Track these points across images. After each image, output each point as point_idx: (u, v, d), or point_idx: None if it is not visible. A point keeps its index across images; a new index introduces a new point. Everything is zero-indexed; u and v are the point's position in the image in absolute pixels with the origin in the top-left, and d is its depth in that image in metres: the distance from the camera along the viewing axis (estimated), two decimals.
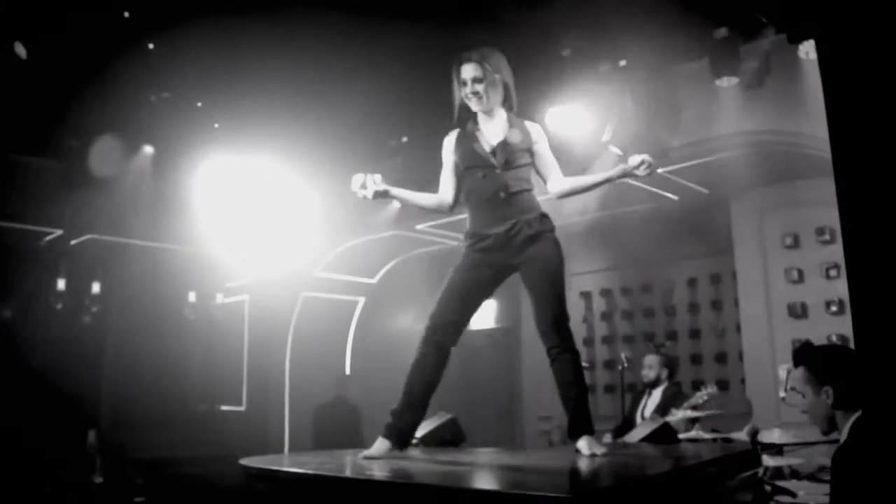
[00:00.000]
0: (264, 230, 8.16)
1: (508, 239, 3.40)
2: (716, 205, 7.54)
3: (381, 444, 3.37)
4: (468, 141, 3.53)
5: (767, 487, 4.08)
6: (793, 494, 3.94)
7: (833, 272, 6.72)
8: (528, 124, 3.62)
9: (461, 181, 3.59)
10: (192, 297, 9.00)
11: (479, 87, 3.48)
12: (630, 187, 7.16)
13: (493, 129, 3.55)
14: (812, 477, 4.74)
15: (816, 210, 6.76)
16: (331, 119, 6.77)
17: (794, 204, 7.00)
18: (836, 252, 6.64)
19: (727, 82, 5.75)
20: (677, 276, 8.47)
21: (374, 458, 3.29)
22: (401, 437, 3.41)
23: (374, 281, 9.90)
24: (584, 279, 9.07)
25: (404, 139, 7.32)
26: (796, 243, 7.04)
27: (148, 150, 7.21)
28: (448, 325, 3.43)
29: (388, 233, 8.42)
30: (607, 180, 3.49)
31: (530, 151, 3.57)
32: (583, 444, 3.28)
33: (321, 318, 9.31)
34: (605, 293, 9.01)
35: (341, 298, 9.67)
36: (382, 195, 3.48)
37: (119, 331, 8.63)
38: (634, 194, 7.42)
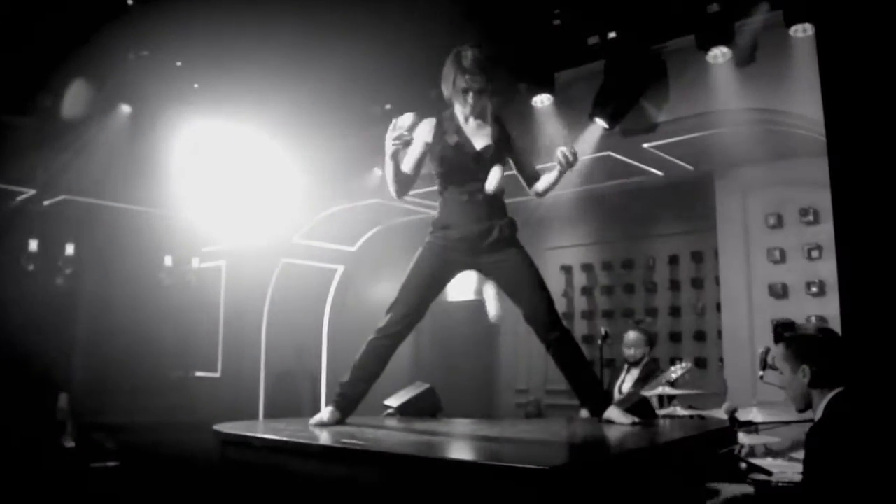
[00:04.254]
0: (243, 194, 8.09)
1: (480, 239, 3.48)
2: (700, 182, 7.56)
3: (331, 413, 3.44)
4: (452, 140, 3.53)
5: (743, 465, 4.12)
6: (767, 472, 3.98)
7: (815, 253, 6.77)
8: (509, 128, 3.67)
9: (440, 176, 3.61)
10: (167, 261, 8.94)
11: (482, 98, 3.51)
12: (614, 161, 7.17)
13: (477, 131, 3.57)
14: (786, 455, 4.81)
15: (801, 190, 6.80)
16: (313, 83, 6.70)
17: (779, 183, 7.03)
18: (819, 233, 6.69)
19: (716, 59, 5.75)
20: (659, 252, 8.51)
21: (324, 425, 3.37)
22: (349, 408, 3.51)
23: (353, 249, 9.88)
24: (564, 253, 9.10)
25: (388, 106, 7.26)
26: (779, 223, 7.08)
27: (125, 109, 7.11)
28: (411, 315, 3.51)
29: (369, 201, 8.38)
30: (560, 174, 3.56)
31: (510, 155, 3.65)
32: (617, 414, 3.48)
33: (299, 286, 9.29)
34: (586, 268, 9.04)
35: (320, 266, 9.65)
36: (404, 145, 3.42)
37: (92, 294, 8.56)
38: (619, 168, 7.43)
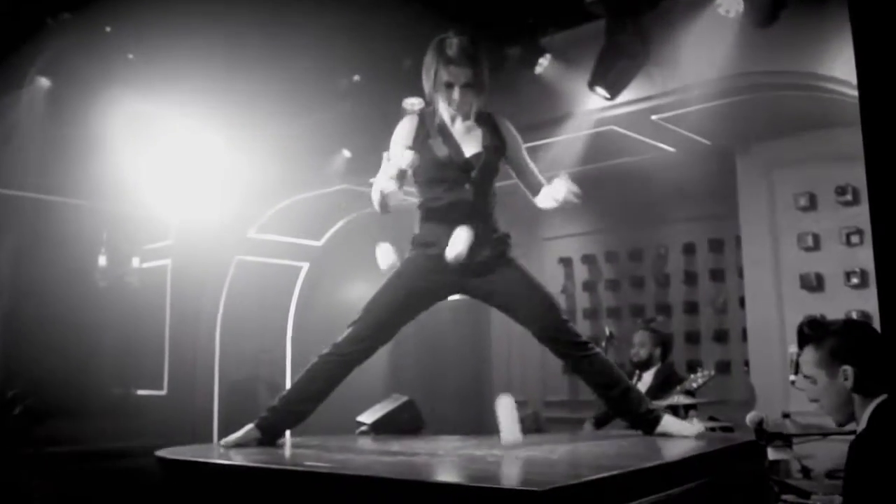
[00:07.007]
0: (190, 183, 8.04)
1: (468, 259, 3.42)
2: (719, 158, 7.57)
3: (250, 433, 3.38)
4: (434, 145, 3.48)
5: (774, 485, 4.13)
6: (804, 494, 3.98)
7: (855, 238, 6.78)
8: (504, 129, 3.63)
9: (419, 185, 3.58)
10: (102, 261, 8.85)
11: (468, 94, 3.45)
12: (618, 136, 7.16)
13: (465, 135, 3.54)
14: (827, 474, 4.81)
15: (837, 166, 6.80)
16: (270, 52, 6.65)
17: (811, 158, 7.05)
18: (858, 214, 6.69)
19: (738, 12, 5.68)
20: (672, 240, 8.53)
21: (241, 447, 3.30)
22: (274, 435, 3.45)
23: (319, 243, 9.87)
24: (563, 243, 9.12)
25: (356, 78, 7.23)
26: (812, 204, 7.10)
27: (43, 83, 7.00)
28: (372, 338, 3.48)
29: (337, 187, 8.36)
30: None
31: (504, 161, 3.63)
32: (676, 424, 3.49)
33: (258, 287, 9.27)
34: (588, 259, 9.06)
35: (281, 263, 9.64)
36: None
37: (12, 301, 8.46)
38: (624, 145, 7.42)
